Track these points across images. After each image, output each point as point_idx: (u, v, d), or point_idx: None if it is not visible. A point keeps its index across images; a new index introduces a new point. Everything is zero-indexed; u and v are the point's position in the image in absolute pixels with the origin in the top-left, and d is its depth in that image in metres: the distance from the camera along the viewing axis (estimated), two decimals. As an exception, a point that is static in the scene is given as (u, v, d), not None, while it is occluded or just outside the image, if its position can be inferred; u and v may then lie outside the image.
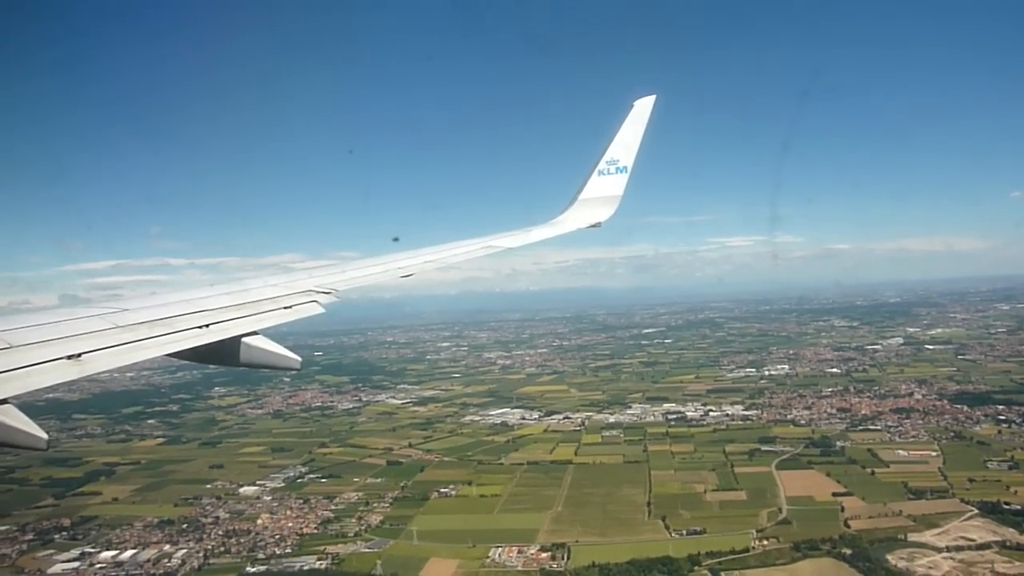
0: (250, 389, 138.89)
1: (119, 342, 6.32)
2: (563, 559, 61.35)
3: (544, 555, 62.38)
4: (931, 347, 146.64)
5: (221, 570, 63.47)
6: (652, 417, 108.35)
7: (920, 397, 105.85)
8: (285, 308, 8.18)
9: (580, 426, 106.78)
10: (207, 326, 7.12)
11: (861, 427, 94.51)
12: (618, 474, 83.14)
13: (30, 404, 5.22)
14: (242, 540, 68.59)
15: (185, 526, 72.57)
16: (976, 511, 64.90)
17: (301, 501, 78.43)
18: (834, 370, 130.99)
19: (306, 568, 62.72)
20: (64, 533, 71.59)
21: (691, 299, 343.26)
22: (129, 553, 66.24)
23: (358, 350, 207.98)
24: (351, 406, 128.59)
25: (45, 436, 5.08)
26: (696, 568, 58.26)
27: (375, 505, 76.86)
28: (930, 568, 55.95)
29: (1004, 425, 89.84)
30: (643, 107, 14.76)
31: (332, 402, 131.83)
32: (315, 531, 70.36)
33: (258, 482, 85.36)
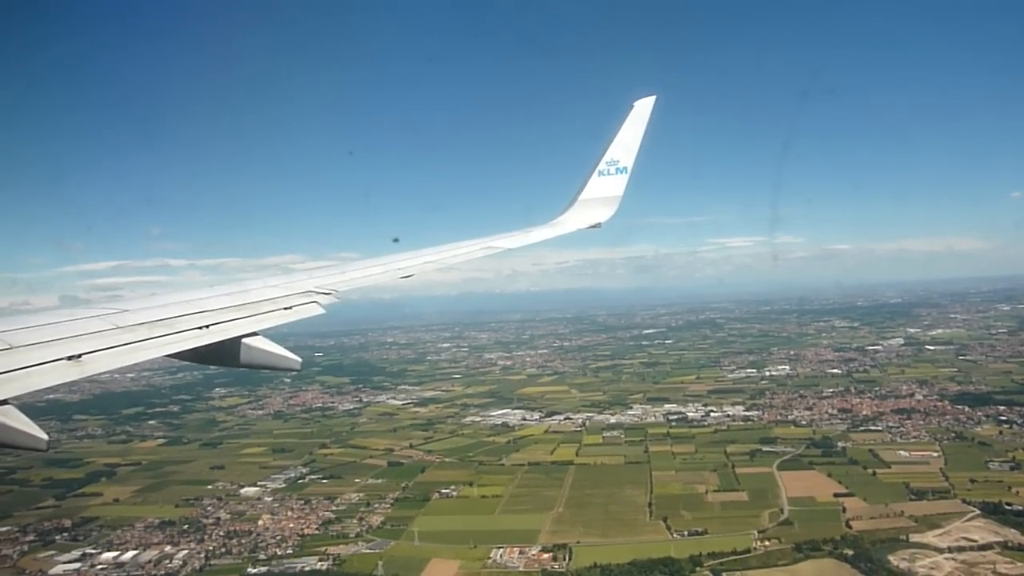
0: (251, 390, 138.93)
1: (119, 343, 6.32)
2: (565, 560, 61.35)
3: (546, 556, 62.40)
4: (932, 348, 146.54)
5: (222, 571, 63.50)
6: (653, 418, 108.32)
7: (921, 398, 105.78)
8: (285, 309, 8.18)
9: (581, 427, 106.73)
10: (207, 327, 7.11)
11: (862, 428, 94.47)
12: (619, 475, 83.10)
13: (30, 405, 5.22)
14: (243, 541, 68.62)
15: (186, 527, 72.61)
16: (978, 512, 64.84)
17: (302, 502, 78.46)
18: (835, 371, 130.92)
19: (307, 569, 62.71)
20: (65, 534, 71.66)
21: (691, 300, 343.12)
22: (130, 554, 66.31)
23: (358, 351, 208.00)
24: (352, 407, 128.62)
25: (45, 437, 5.08)
26: (698, 569, 58.23)
27: (376, 506, 76.88)
28: (932, 569, 55.89)
29: (1005, 426, 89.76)
30: (643, 108, 14.74)
31: (333, 403, 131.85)
32: (316, 532, 70.38)
33: (259, 483, 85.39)
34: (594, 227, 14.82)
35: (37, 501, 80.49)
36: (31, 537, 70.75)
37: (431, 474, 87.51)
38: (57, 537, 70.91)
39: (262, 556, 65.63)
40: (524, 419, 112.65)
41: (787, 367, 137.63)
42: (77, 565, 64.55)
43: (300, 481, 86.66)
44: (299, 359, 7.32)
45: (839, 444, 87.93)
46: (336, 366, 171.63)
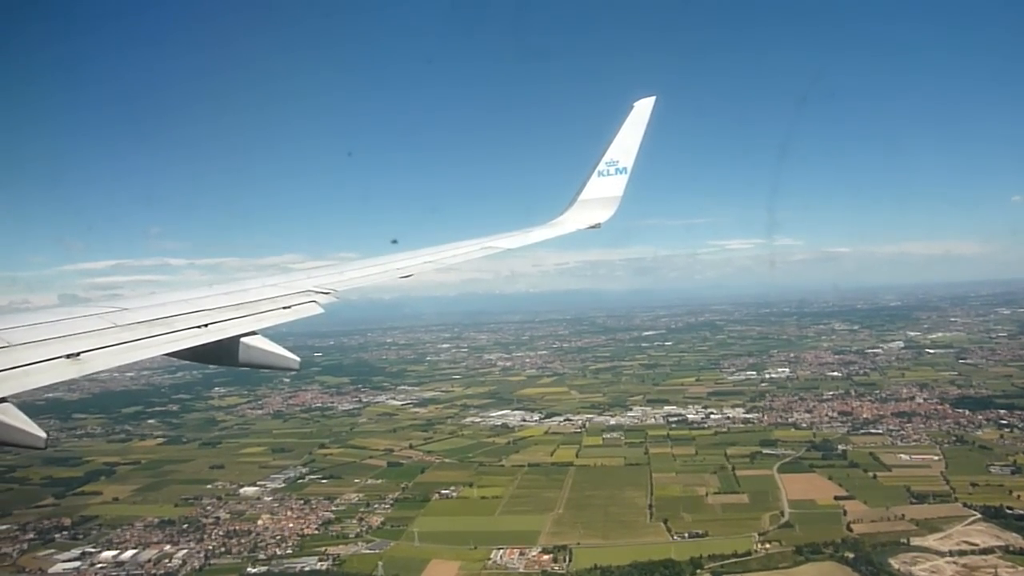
0: (250, 389, 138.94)
1: (118, 341, 6.32)
2: (565, 561, 61.35)
3: (546, 557, 62.37)
4: (932, 351, 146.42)
5: (222, 571, 63.49)
6: (653, 419, 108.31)
7: (921, 401, 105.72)
8: (284, 308, 8.18)
9: (581, 428, 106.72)
10: (206, 326, 7.11)
11: (863, 431, 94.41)
12: (619, 476, 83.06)
13: (30, 403, 5.23)
14: (243, 540, 68.62)
15: (186, 526, 72.61)
16: (979, 515, 64.85)
17: (302, 502, 78.46)
18: (835, 373, 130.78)
19: (307, 569, 62.71)
20: (65, 533, 71.69)
21: (691, 302, 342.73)
22: (130, 553, 66.31)
23: (358, 351, 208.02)
24: (351, 407, 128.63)
25: (43, 435, 5.08)
26: (698, 571, 58.19)
27: (376, 506, 76.88)
28: (933, 572, 55.88)
29: (1006, 429, 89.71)
30: (643, 108, 14.72)
31: (332, 403, 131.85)
32: (316, 532, 70.38)
33: (258, 483, 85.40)
34: (594, 228, 14.81)
35: (37, 499, 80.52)
36: (31, 535, 70.78)
37: (431, 475, 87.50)
38: (56, 536, 70.94)
39: (262, 556, 65.63)
40: (524, 420, 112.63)
41: (787, 369, 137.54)
42: (76, 564, 64.55)
43: (300, 481, 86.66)
44: (298, 359, 7.32)
45: (839, 447, 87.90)
46: (335, 366, 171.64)
